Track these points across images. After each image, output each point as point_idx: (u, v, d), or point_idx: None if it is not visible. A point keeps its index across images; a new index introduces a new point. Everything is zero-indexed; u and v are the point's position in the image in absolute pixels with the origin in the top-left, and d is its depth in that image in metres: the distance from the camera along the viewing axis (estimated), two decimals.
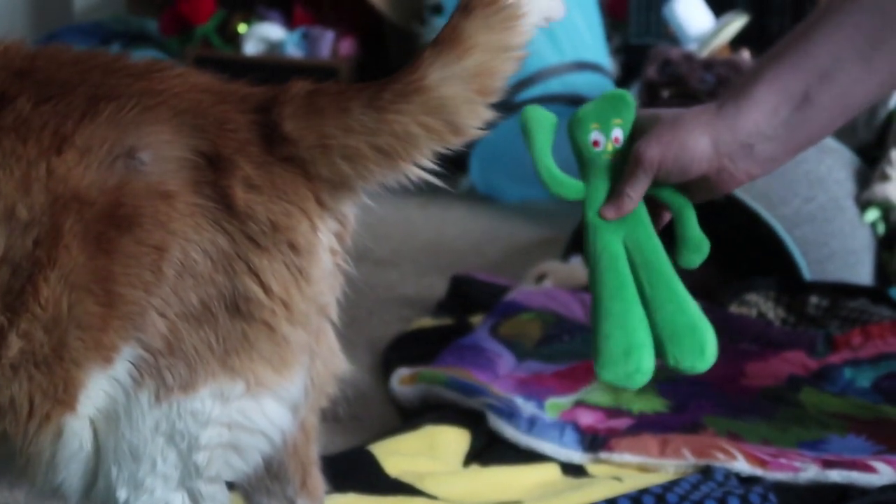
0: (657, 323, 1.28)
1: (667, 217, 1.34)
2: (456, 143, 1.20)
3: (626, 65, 4.04)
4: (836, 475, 1.76)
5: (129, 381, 1.16)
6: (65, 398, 1.15)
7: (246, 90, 1.23)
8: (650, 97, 3.36)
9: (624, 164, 1.32)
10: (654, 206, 1.32)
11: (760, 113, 1.31)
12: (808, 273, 2.45)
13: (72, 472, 1.19)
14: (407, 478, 1.79)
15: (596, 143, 1.31)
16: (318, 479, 1.41)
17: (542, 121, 1.31)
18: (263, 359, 1.18)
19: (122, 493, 1.18)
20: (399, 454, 1.85)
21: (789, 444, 1.89)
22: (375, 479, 1.78)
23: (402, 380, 2.14)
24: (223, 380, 1.17)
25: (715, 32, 3.44)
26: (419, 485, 1.78)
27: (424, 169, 1.21)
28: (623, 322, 1.28)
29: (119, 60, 1.24)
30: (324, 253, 1.22)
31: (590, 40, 3.69)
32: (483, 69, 1.17)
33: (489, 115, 1.19)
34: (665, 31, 3.86)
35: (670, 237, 1.32)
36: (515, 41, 1.18)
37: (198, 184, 1.16)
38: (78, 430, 1.17)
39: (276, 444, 1.24)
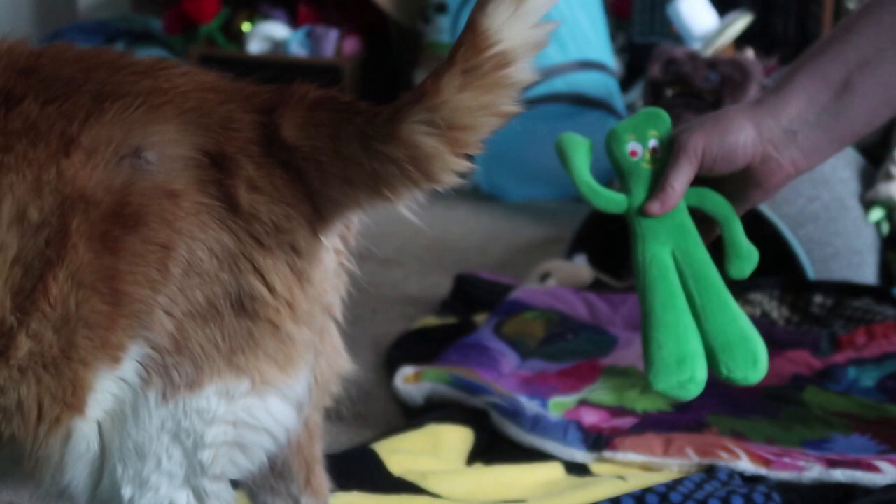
0: (709, 333, 1.27)
1: (716, 231, 1.33)
2: (430, 188, 1.17)
3: (630, 64, 4.04)
4: (840, 475, 1.76)
5: (137, 381, 1.16)
6: (73, 401, 1.16)
7: (251, 89, 1.23)
8: (654, 96, 3.36)
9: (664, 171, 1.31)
10: (702, 220, 1.31)
11: (801, 100, 1.31)
12: (812, 272, 2.45)
13: (78, 472, 1.19)
14: (410, 476, 1.79)
15: (634, 153, 1.31)
16: (322, 478, 1.41)
17: (578, 143, 1.30)
18: (268, 357, 1.18)
19: (126, 491, 1.19)
20: (402, 452, 1.85)
21: (793, 443, 1.89)
22: (379, 477, 1.78)
23: (405, 378, 2.14)
24: (229, 378, 1.18)
25: (719, 31, 3.44)
26: (422, 483, 1.78)
27: (405, 205, 1.19)
28: (675, 331, 1.26)
29: (124, 58, 1.24)
30: (326, 255, 1.22)
31: (594, 39, 3.69)
32: (455, 125, 1.14)
33: (463, 166, 1.16)
34: (669, 30, 3.86)
35: (718, 249, 1.31)
36: (492, 98, 1.14)
37: (203, 183, 1.16)
38: (86, 433, 1.17)
39: (280, 443, 1.24)
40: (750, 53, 3.37)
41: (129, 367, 1.16)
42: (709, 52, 3.38)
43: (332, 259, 1.24)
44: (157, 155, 1.16)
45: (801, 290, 2.42)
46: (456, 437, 1.93)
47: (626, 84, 3.93)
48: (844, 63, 1.32)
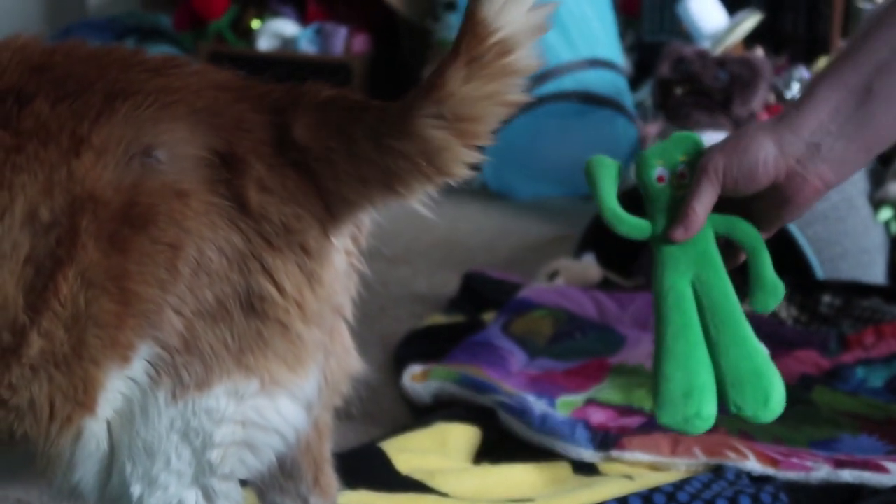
0: (721, 367, 1.24)
1: (741, 258, 1.29)
2: (442, 182, 1.17)
3: (639, 62, 4.04)
4: (847, 475, 1.76)
5: (147, 380, 1.17)
6: (84, 400, 1.16)
7: (263, 88, 1.23)
8: (663, 95, 3.36)
9: None
10: (728, 247, 1.28)
11: (823, 111, 1.27)
12: (820, 272, 2.45)
13: (88, 470, 1.19)
14: (418, 475, 1.79)
15: (661, 179, 1.27)
16: (331, 477, 1.41)
17: (606, 167, 1.27)
18: (278, 357, 1.18)
19: (136, 489, 1.19)
20: (410, 451, 1.86)
21: (801, 443, 1.89)
22: (386, 475, 1.79)
23: (413, 377, 2.14)
24: (238, 378, 1.18)
25: (729, 30, 3.44)
26: (430, 482, 1.78)
27: (421, 200, 1.19)
28: (685, 364, 1.24)
29: (136, 56, 1.24)
30: (336, 255, 1.22)
31: (603, 37, 3.69)
32: (463, 116, 1.14)
33: (474, 157, 1.16)
34: (679, 29, 3.86)
35: (742, 279, 1.28)
36: (497, 87, 1.14)
37: (213, 182, 1.16)
38: (96, 432, 1.18)
39: (289, 443, 1.24)
40: (759, 52, 3.36)
41: (138, 366, 1.16)
42: (718, 51, 3.38)
43: (342, 260, 1.24)
44: (168, 154, 1.16)
45: (810, 290, 2.42)
46: (463, 436, 1.93)
47: (635, 82, 3.93)
48: (863, 70, 1.28)
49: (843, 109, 1.27)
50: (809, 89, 1.29)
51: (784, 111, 1.29)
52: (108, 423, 1.18)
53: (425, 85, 1.14)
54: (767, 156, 1.25)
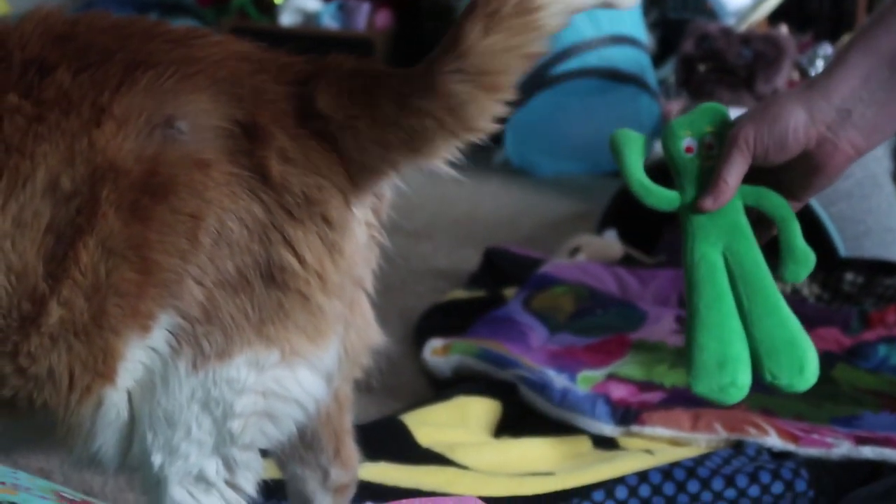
0: (755, 337, 1.24)
1: (772, 232, 1.28)
2: (470, 138, 1.18)
3: (663, 39, 4.02)
4: (868, 451, 1.76)
5: (167, 350, 1.17)
6: (104, 370, 1.16)
7: (284, 59, 1.23)
8: (687, 71, 3.35)
9: None
10: (759, 220, 1.27)
11: (854, 77, 1.25)
12: (843, 250, 2.44)
13: (107, 439, 1.20)
14: (438, 448, 1.80)
15: (689, 149, 1.26)
16: (351, 449, 1.42)
17: (632, 139, 1.26)
18: (298, 328, 1.19)
19: (157, 458, 1.19)
20: (430, 424, 1.86)
21: (822, 420, 1.89)
22: (407, 448, 1.79)
23: (434, 351, 2.15)
24: (258, 348, 1.18)
25: (753, 7, 3.43)
26: (450, 455, 1.78)
27: (450, 162, 1.20)
28: (719, 333, 1.24)
29: (158, 27, 1.24)
30: (357, 227, 1.22)
31: (627, 14, 3.67)
32: (485, 69, 1.15)
33: (500, 110, 1.18)
34: (703, 6, 3.84)
35: (772, 250, 1.27)
36: (517, 41, 1.15)
37: (234, 153, 1.16)
38: (116, 401, 1.18)
39: (310, 413, 1.25)
40: (784, 29, 3.35)
41: (159, 336, 1.16)
42: (742, 28, 3.37)
43: (363, 231, 1.24)
44: (189, 124, 1.16)
45: (833, 268, 2.41)
46: (484, 410, 1.94)
47: (658, 59, 3.92)
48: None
49: (874, 75, 1.24)
50: (840, 55, 1.26)
51: (814, 79, 1.26)
52: (129, 393, 1.18)
53: (446, 42, 1.16)
54: (798, 123, 1.24)
